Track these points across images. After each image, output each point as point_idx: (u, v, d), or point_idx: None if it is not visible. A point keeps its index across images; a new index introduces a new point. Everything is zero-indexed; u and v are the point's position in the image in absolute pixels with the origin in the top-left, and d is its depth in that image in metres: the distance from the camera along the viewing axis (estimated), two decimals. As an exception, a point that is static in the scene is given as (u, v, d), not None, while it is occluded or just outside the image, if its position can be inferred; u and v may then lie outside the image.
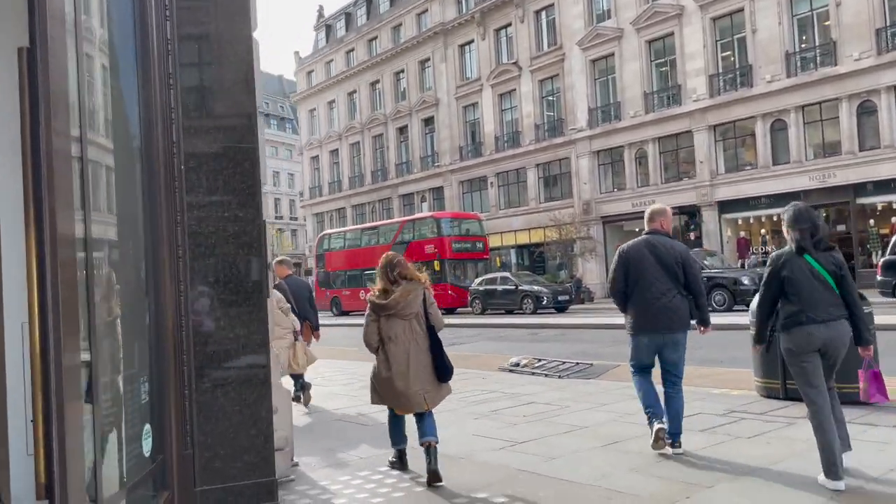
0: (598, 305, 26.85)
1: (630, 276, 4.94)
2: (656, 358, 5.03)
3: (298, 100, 52.59)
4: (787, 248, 4.19)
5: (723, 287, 18.83)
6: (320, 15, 53.08)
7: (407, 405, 4.66)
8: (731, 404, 6.46)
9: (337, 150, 48.50)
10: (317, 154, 50.45)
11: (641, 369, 5.07)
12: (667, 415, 4.88)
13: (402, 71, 42.91)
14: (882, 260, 16.67)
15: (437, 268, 27.54)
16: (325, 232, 38.82)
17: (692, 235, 28.51)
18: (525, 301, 24.07)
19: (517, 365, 10.09)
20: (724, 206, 27.90)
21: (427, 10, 41.39)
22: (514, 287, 24.58)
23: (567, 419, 6.31)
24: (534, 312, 23.50)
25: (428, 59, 41.09)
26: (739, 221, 28.25)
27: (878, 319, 6.36)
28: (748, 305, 14.30)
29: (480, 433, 5.93)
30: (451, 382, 4.87)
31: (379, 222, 36.10)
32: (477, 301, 25.76)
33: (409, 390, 4.55)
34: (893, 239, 16.68)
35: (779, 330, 4.17)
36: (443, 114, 39.95)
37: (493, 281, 25.68)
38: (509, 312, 24.54)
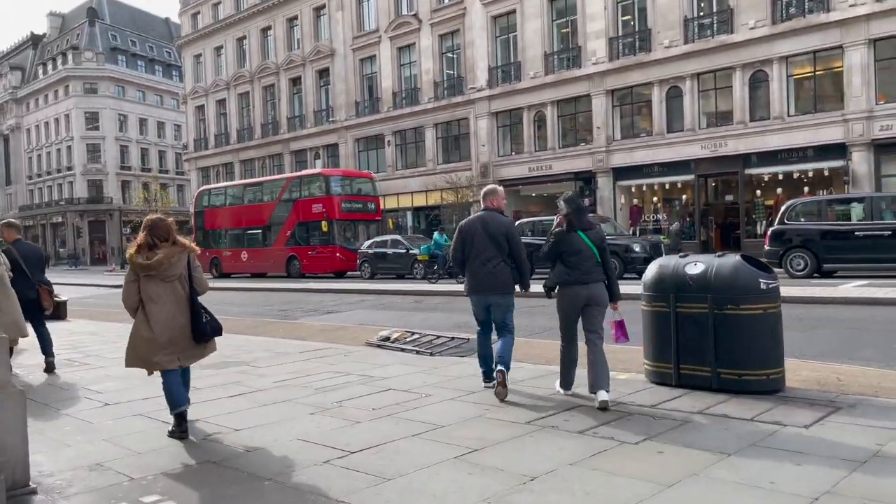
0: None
1: (465, 246, 5.82)
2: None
3: (183, 44, 48.59)
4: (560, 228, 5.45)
5: (615, 255, 18.30)
6: (208, -48, 48.87)
7: (168, 360, 4.70)
8: (618, 392, 5.50)
9: (224, 100, 45.22)
10: (202, 104, 46.93)
11: (480, 325, 5.99)
12: (495, 354, 5.69)
13: (296, 18, 40.20)
14: (770, 230, 16.56)
15: (324, 228, 25.93)
16: (204, 187, 36.06)
17: (586, 201, 28.19)
18: (416, 265, 22.92)
19: (387, 339, 8.88)
20: (619, 173, 27.69)
21: (324, -47, 38.75)
22: (405, 250, 23.36)
23: (424, 413, 5.15)
24: (424, 278, 22.39)
25: (324, 7, 38.61)
26: (633, 189, 28.17)
27: (790, 291, 5.55)
28: (640, 274, 13.63)
29: (310, 437, 4.66)
30: (306, 359, 5.87)
31: (263, 178, 33.80)
32: (366, 265, 24.39)
33: (166, 350, 4.66)
34: (782, 209, 16.58)
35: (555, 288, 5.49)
36: (338, 66, 37.76)
37: (383, 244, 24.34)
38: (400, 277, 23.35)
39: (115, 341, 9.80)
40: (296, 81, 40.65)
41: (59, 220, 63.60)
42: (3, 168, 72.15)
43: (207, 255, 30.93)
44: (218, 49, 45.53)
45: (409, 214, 35.11)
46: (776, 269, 15.04)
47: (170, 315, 4.66)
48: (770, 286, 5.43)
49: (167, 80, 66.52)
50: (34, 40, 71.85)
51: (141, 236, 4.76)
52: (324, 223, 25.85)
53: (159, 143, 66.65)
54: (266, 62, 42.02)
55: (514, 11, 30.23)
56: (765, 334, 5.42)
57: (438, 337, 8.80)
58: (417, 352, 8.13)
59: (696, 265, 5.62)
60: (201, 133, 47.41)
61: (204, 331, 4.82)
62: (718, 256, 5.66)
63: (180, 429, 4.74)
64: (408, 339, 8.80)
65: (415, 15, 34.06)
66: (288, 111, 40.93)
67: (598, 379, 5.17)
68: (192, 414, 5.09)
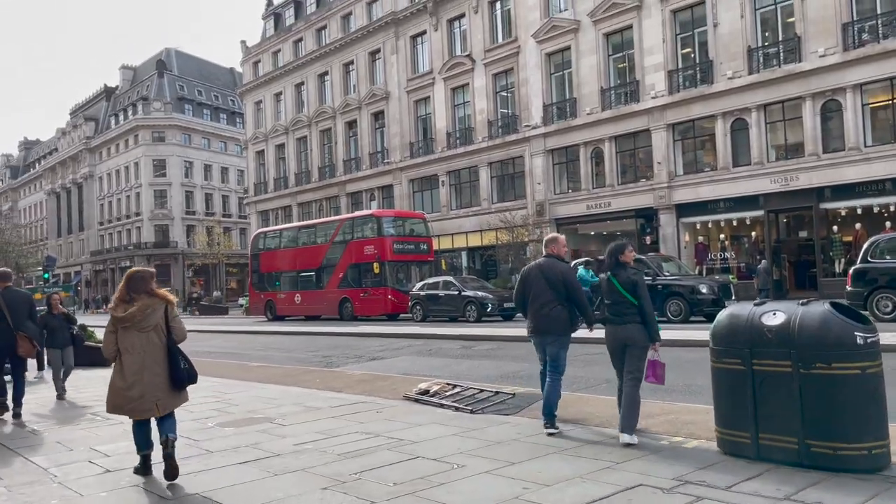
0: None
1: (526, 291, 6.23)
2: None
3: (244, 91, 49.99)
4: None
5: (679, 296, 17.16)
6: (269, 2, 50.56)
7: (139, 410, 4.85)
8: (684, 467, 4.62)
9: (283, 144, 46.06)
10: (262, 148, 47.95)
11: (543, 366, 6.34)
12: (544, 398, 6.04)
13: (352, 63, 40.79)
14: (852, 269, 15.18)
15: (376, 270, 25.51)
16: (260, 230, 36.42)
17: (648, 240, 27.04)
18: (469, 308, 22.17)
19: (426, 392, 8.15)
20: (683, 210, 26.44)
21: None
22: (457, 292, 22.65)
23: (451, 492, 4.38)
24: (478, 320, 21.62)
25: (378, 51, 39.05)
26: (698, 226, 26.86)
27: (882, 338, 4.61)
28: (708, 317, 12.44)
29: (313, 523, 3.96)
30: (336, 415, 5.79)
31: (317, 220, 33.85)
32: (418, 307, 23.76)
33: (143, 398, 4.80)
34: (865, 245, 15.20)
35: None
36: (393, 108, 37.94)
37: (435, 286, 23.71)
38: (453, 320, 22.62)
39: None
40: (352, 124, 41.05)
41: (128, 264, 65.55)
42: (77, 215, 75.33)
43: (263, 297, 31.07)
44: (277, 95, 46.60)
45: (463, 255, 34.52)
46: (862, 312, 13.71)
47: (143, 365, 4.83)
48: (869, 340, 4.49)
49: (231, 127, 68.58)
50: (107, 92, 75.54)
51: (119, 290, 4.99)
52: (376, 265, 25.46)
53: (223, 188, 68.46)
54: (323, 106, 42.66)
55: (568, 48, 29.73)
56: (864, 399, 4.47)
57: (482, 391, 8.02)
58: (457, 408, 7.37)
59: (775, 315, 4.74)
60: (261, 177, 48.33)
61: (181, 378, 4.98)
62: (802, 304, 4.75)
63: (144, 467, 5.08)
64: (448, 393, 8.05)
65: (468, 55, 33.97)
66: (344, 154, 41.27)
67: (622, 420, 5.44)
68: (190, 485, 4.69)
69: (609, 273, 5.69)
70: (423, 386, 8.42)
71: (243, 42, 50.46)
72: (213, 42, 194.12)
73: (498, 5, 33.35)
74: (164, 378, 4.89)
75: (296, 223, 36.10)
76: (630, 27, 27.64)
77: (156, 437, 5.01)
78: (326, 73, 42.54)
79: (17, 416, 7.85)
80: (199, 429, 6.96)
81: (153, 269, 5.37)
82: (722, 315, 5.12)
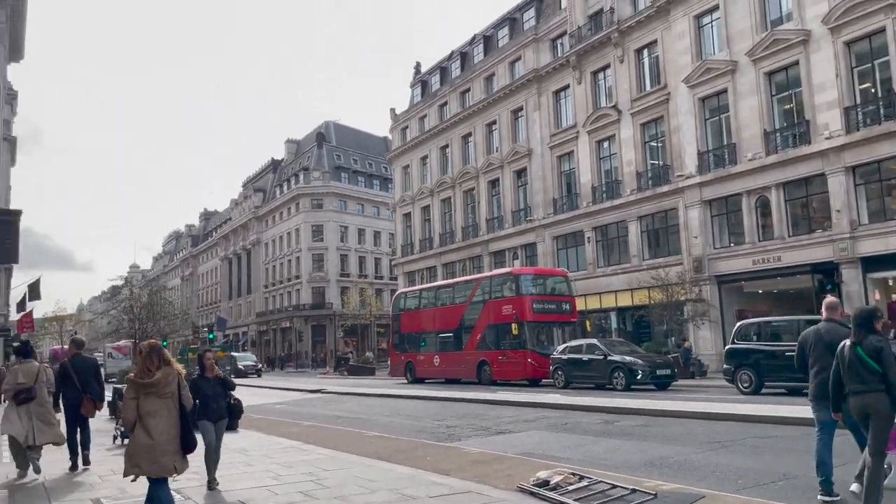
0: (711, 381, 22.28)
1: (805, 356, 6.22)
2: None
3: (393, 157, 51.51)
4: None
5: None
6: (417, 71, 52.25)
7: (162, 468, 5.17)
8: None
9: (428, 206, 46.52)
10: (409, 211, 48.75)
11: (823, 427, 5.95)
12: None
13: (495, 122, 40.62)
14: None
15: (515, 331, 24.03)
16: (400, 290, 36.30)
17: (829, 297, 23.46)
18: (616, 374, 20.05)
19: (545, 484, 6.62)
20: (870, 264, 22.75)
21: (520, 58, 39.14)
22: (602, 357, 20.64)
23: None
24: (626, 389, 19.44)
25: (521, 109, 38.57)
26: (890, 282, 23.02)
27: None
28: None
29: None
30: None
31: (454, 280, 33.04)
32: (559, 372, 21.93)
33: (164, 458, 5.16)
34: None
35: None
36: (536, 164, 37.01)
37: (578, 349, 21.81)
38: (599, 388, 20.57)
39: (264, 457, 8.62)
40: (494, 183, 40.57)
41: (287, 324, 68.87)
42: (246, 278, 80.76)
43: (403, 358, 30.54)
44: (423, 159, 47.41)
45: (612, 315, 32.18)
46: None
47: (165, 427, 5.20)
48: None
49: (383, 193, 71.01)
50: (274, 165, 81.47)
51: (140, 361, 5.37)
52: (514, 325, 24.01)
53: (375, 251, 70.60)
54: (467, 167, 42.67)
55: (724, 91, 27.38)
56: None
57: (615, 486, 6.36)
58: (580, 510, 5.77)
59: None
60: (408, 239, 48.99)
61: (190, 444, 5.35)
62: None
63: None
64: (572, 487, 6.45)
65: (614, 107, 32.44)
66: (487, 213, 40.75)
67: (864, 500, 5.12)
68: None
69: (854, 340, 5.35)
70: (542, 475, 6.89)
71: (392, 110, 52.28)
72: (369, 112, 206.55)
73: (645, 53, 31.74)
74: (177, 442, 5.26)
75: (435, 283, 35.66)
76: (796, 63, 24.92)
77: None
78: (470, 133, 42.68)
79: (85, 460, 8.83)
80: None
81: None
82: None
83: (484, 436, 11.50)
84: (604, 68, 33.57)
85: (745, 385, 17.11)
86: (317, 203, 68.44)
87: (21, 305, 44.27)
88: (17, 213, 9.78)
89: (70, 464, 8.79)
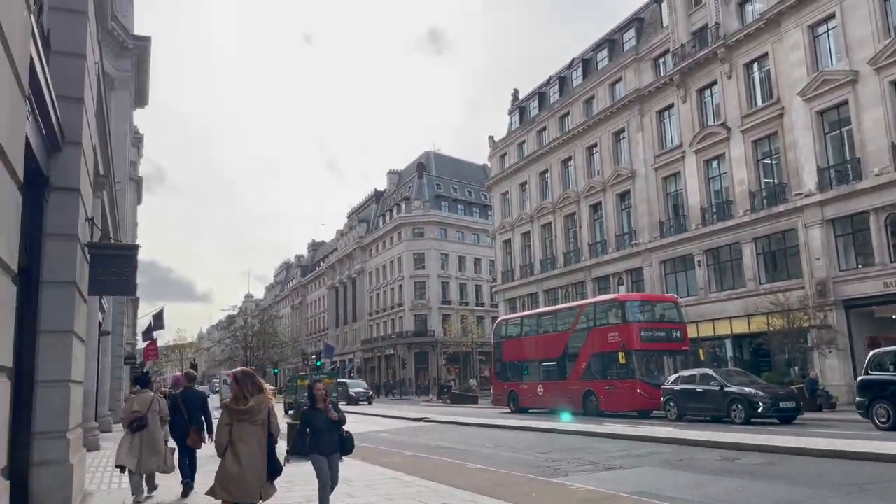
0: (842, 415, 20.44)
1: None
2: None
3: (492, 184, 51.55)
4: None
5: None
6: (515, 98, 52.27)
7: (249, 494, 5.32)
8: None
9: (528, 232, 46.06)
10: (509, 237, 48.47)
11: None
12: None
13: (595, 145, 39.84)
14: None
15: (622, 360, 23.08)
16: (501, 318, 35.84)
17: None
18: (734, 407, 18.77)
19: (661, 529, 6.08)
20: None
21: (621, 79, 38.33)
22: (718, 388, 19.40)
23: None
24: (746, 422, 18.14)
25: (622, 130, 37.66)
26: None
27: None
28: None
29: None
30: None
31: (557, 307, 32.24)
32: (671, 404, 20.80)
33: (252, 484, 5.31)
34: None
35: None
36: (640, 187, 35.89)
37: (692, 379, 20.63)
38: (715, 421, 19.34)
39: (367, 488, 8.42)
40: (596, 207, 39.67)
41: (391, 352, 69.84)
42: (352, 306, 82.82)
43: (505, 387, 30.04)
44: (522, 185, 47.14)
45: (727, 343, 30.37)
46: None
47: (253, 453, 5.36)
48: None
49: (483, 220, 71.18)
50: (377, 196, 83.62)
51: (235, 388, 5.52)
52: (621, 354, 23.07)
53: (475, 278, 70.65)
54: (567, 192, 42.01)
55: (845, 103, 25.57)
56: None
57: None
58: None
59: None
60: (508, 265, 48.65)
61: (276, 470, 5.52)
62: None
63: None
64: (692, 533, 5.88)
65: (722, 124, 31.03)
66: (589, 237, 39.83)
67: None
68: None
69: None
70: (657, 518, 6.35)
71: (491, 138, 52.45)
72: (469, 140, 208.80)
73: (755, 67, 30.23)
74: (264, 469, 5.40)
75: (536, 310, 35.02)
76: (928, 67, 22.95)
77: None
78: (570, 157, 42.07)
79: (186, 487, 9.20)
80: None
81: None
82: None
83: (592, 471, 10.93)
84: (710, 85, 32.27)
85: (883, 420, 15.63)
86: (418, 232, 69.47)
87: (147, 334, 47.22)
88: (136, 248, 10.21)
89: (181, 489, 9.19)
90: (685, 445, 13.64)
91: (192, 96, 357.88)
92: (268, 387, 5.61)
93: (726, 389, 19.16)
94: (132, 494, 8.90)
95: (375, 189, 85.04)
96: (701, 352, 25.48)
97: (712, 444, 13.36)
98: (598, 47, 42.63)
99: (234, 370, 6.03)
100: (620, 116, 37.53)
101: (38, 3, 7.07)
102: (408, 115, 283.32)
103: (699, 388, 19.99)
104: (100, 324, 19.30)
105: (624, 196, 37.44)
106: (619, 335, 23.62)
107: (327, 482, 6.97)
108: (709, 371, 20.79)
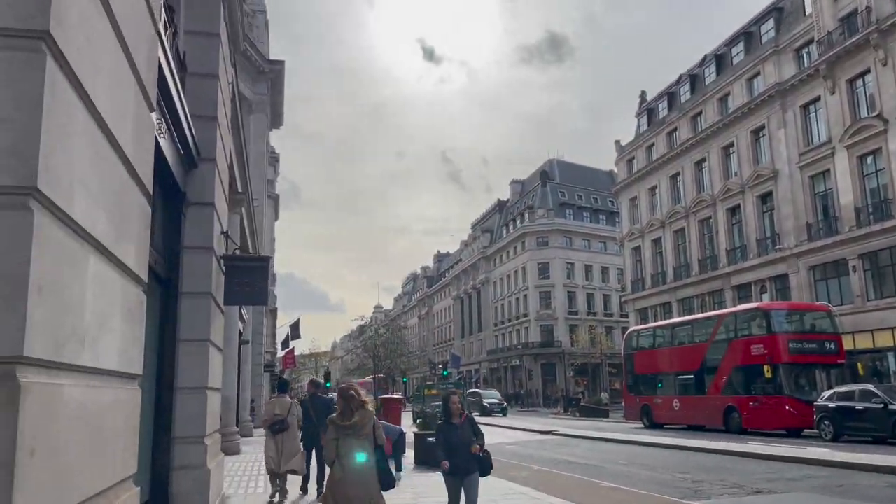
0: None
1: None
2: None
3: (619, 189, 49.94)
4: None
5: None
6: (642, 100, 50.45)
7: None
8: None
9: (660, 238, 44.13)
10: (638, 245, 46.69)
11: None
12: None
13: (732, 144, 37.56)
14: None
15: (767, 374, 21.36)
16: (632, 329, 34.34)
17: None
18: (903, 428, 16.80)
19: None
20: None
21: (759, 74, 35.93)
22: (882, 405, 17.44)
23: None
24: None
25: (762, 128, 35.24)
26: None
27: None
28: None
29: None
30: None
31: (693, 317, 30.37)
32: (826, 422, 18.95)
33: (361, 498, 5.42)
34: None
35: None
36: (783, 187, 33.37)
37: (849, 395, 18.69)
38: (878, 442, 17.41)
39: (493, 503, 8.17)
40: (734, 210, 37.33)
41: (517, 363, 69.26)
42: (476, 317, 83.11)
43: (638, 401, 28.75)
44: (652, 189, 45.30)
45: (889, 356, 27.43)
46: None
47: (363, 468, 5.49)
48: None
49: (610, 227, 69.21)
50: (500, 206, 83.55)
51: (341, 404, 5.69)
52: (766, 368, 21.34)
53: (603, 288, 68.70)
54: (701, 195, 39.87)
55: None
56: None
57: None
58: None
59: None
60: (638, 274, 46.86)
61: (387, 482, 5.60)
62: None
63: None
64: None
65: (878, 116, 28.23)
66: (727, 243, 37.52)
67: None
68: None
69: None
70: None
71: (617, 142, 50.94)
72: (593, 146, 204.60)
73: (915, 50, 27.34)
74: (375, 480, 5.50)
75: (670, 321, 33.30)
76: None
77: None
78: (703, 159, 39.94)
79: (303, 489, 10.02)
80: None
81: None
82: None
83: (738, 495, 10.03)
84: (862, 74, 29.50)
85: None
86: (542, 241, 68.62)
87: (285, 344, 49.69)
88: (267, 259, 10.55)
89: (300, 493, 9.93)
90: (844, 469, 12.28)
91: (323, 116, 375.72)
92: (369, 400, 5.79)
93: (891, 408, 17.18)
94: (270, 497, 9.40)
95: (498, 199, 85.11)
96: (859, 366, 23.15)
97: (874, 467, 11.95)
98: (732, 41, 40.27)
99: (339, 385, 6.24)
100: (759, 113, 35.16)
101: (174, 27, 7.44)
102: (529, 124, 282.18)
103: (859, 405, 18.07)
104: (240, 333, 20.36)
105: (765, 198, 34.97)
106: (764, 347, 21.86)
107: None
108: (870, 387, 18.76)
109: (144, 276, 4.17)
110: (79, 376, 2.80)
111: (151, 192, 4.46)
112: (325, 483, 5.83)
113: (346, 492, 5.43)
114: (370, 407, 5.73)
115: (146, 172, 4.11)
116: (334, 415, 5.74)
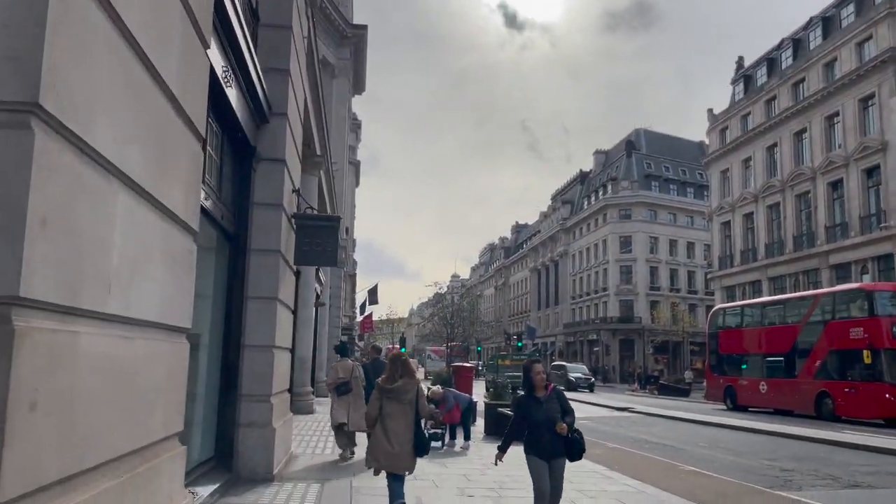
0: None
1: None
2: None
3: (709, 161, 47.55)
4: None
5: None
6: (739, 66, 47.59)
7: (395, 465, 5.78)
8: None
9: (752, 213, 41.84)
10: (728, 219, 44.46)
11: None
12: None
13: (837, 114, 34.94)
14: None
15: (867, 360, 19.88)
16: (718, 306, 32.73)
17: None
18: None
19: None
20: None
21: (871, 37, 33.11)
22: None
23: None
24: None
25: (872, 96, 32.58)
26: None
27: None
28: None
29: None
30: None
31: (785, 296, 28.59)
32: (932, 415, 17.47)
33: (399, 453, 5.74)
34: None
35: None
36: (893, 161, 30.84)
37: (961, 387, 17.13)
38: None
39: (565, 480, 7.54)
40: (836, 185, 34.86)
41: (594, 337, 67.98)
42: (554, 289, 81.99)
43: (721, 382, 27.53)
44: (745, 161, 42.92)
45: None
46: None
47: (401, 430, 5.75)
48: None
49: (698, 201, 66.32)
50: (582, 177, 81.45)
51: (388, 369, 6.04)
52: (866, 353, 19.84)
53: (688, 264, 66.20)
54: (800, 168, 37.44)
55: None
56: None
57: None
58: None
59: None
60: (726, 250, 44.75)
61: (421, 447, 5.85)
62: None
63: None
64: None
65: None
66: (826, 219, 35.16)
67: None
68: None
69: None
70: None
71: (710, 111, 48.44)
72: (683, 115, 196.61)
73: None
74: (411, 445, 5.78)
75: (759, 299, 31.57)
76: None
77: None
78: (804, 129, 37.41)
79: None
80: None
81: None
82: None
83: (833, 487, 9.23)
84: None
85: None
86: (625, 214, 66.59)
87: (363, 308, 50.53)
88: (337, 219, 10.33)
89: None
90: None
91: (404, 84, 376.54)
92: (419, 370, 6.06)
93: None
94: (339, 451, 9.72)
95: (580, 170, 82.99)
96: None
97: None
98: (841, 2, 37.24)
99: (391, 351, 6.57)
100: (870, 80, 32.48)
101: (245, -26, 7.17)
102: (613, 93, 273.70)
103: (971, 398, 16.53)
104: (317, 295, 20.54)
105: (872, 172, 32.46)
106: (865, 331, 20.31)
107: (545, 492, 5.30)
108: None
109: (195, 224, 3.91)
110: (104, 325, 2.53)
111: (205, 137, 4.19)
112: (367, 444, 6.03)
113: (391, 453, 5.71)
114: (419, 376, 5.95)
115: (198, 114, 3.83)
116: (381, 377, 6.08)
